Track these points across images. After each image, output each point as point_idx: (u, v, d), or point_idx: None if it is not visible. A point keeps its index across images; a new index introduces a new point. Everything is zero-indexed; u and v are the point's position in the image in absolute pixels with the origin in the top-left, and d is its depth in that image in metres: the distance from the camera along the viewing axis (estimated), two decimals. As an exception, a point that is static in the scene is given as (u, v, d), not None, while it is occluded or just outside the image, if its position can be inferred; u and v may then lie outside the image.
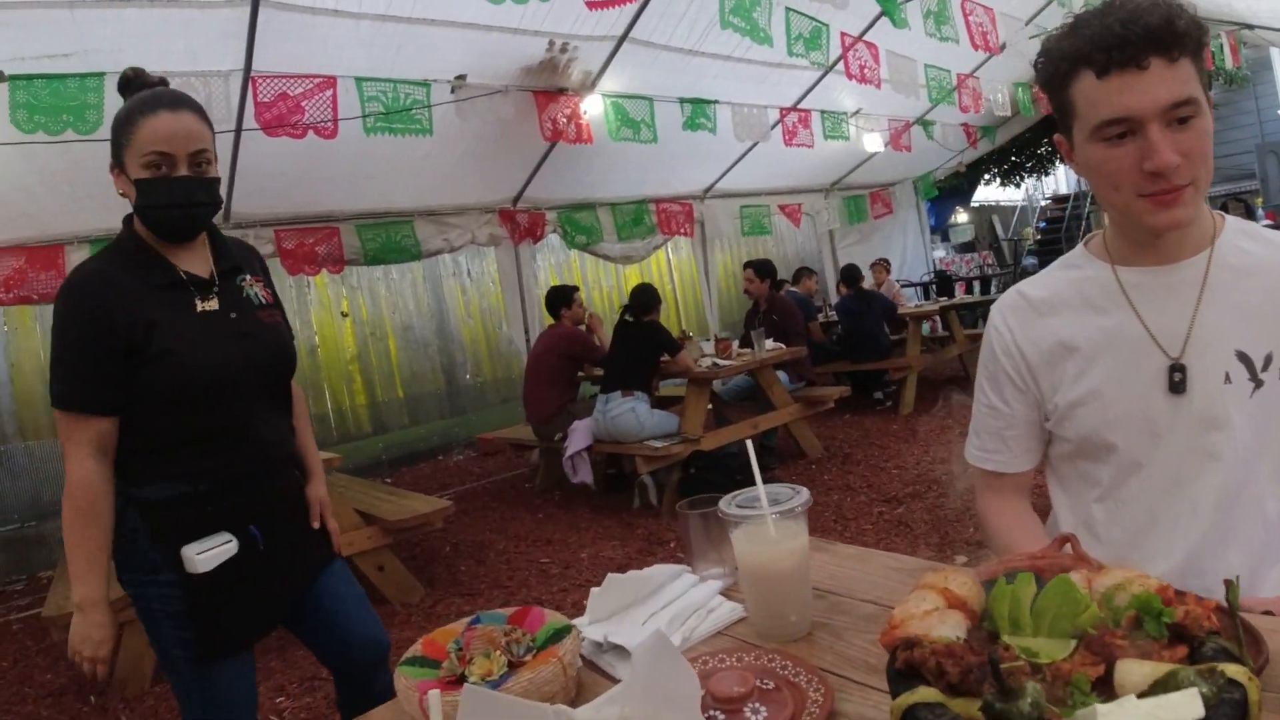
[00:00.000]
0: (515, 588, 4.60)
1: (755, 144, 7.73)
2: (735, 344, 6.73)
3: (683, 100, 6.63)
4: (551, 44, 5.63)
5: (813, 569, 1.25)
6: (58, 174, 4.88)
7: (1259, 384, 1.28)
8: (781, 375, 6.72)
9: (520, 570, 4.88)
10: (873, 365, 8.14)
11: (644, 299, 5.87)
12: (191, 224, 1.79)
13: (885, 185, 11.02)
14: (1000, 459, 1.53)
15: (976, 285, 13.67)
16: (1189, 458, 1.31)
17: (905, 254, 12.15)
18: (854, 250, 11.13)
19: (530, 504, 6.42)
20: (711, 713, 0.95)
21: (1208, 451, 1.30)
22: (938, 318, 9.41)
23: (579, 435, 5.75)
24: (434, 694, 0.78)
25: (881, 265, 9.98)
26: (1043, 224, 19.42)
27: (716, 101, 6.83)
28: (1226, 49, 8.96)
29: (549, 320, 6.60)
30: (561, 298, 6.42)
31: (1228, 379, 1.28)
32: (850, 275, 8.33)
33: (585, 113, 6.16)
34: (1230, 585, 0.80)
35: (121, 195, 1.77)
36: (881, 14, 5.52)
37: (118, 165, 1.75)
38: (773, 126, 7.44)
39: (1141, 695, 0.62)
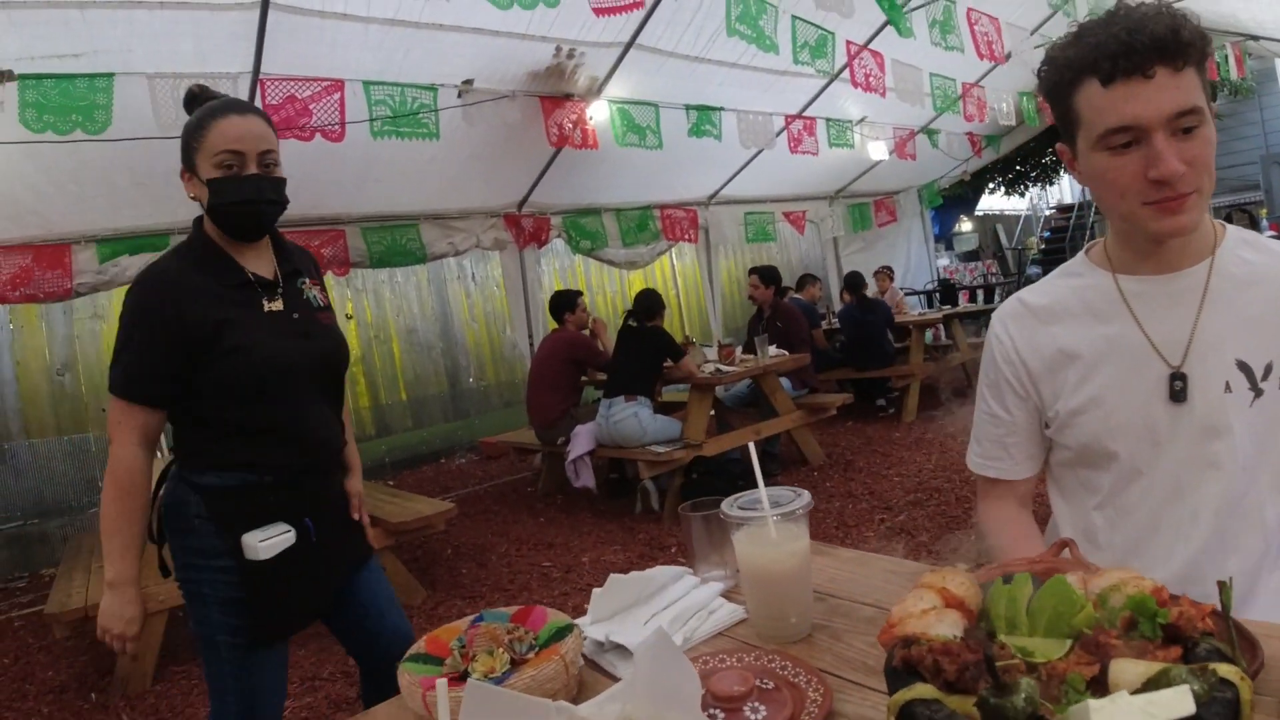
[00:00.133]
0: (516, 591, 4.61)
1: (760, 151, 7.76)
2: (738, 350, 6.74)
3: (688, 107, 6.66)
4: (558, 49, 5.65)
5: (813, 572, 1.26)
6: (65, 173, 4.90)
7: (1259, 393, 1.28)
8: (785, 382, 6.73)
9: (522, 573, 4.89)
10: (876, 373, 8.14)
11: (648, 304, 5.87)
12: (260, 220, 1.88)
13: (890, 193, 11.03)
14: (1001, 466, 1.54)
15: (980, 294, 13.66)
16: (1189, 466, 1.32)
17: (909, 262, 12.15)
18: (858, 258, 11.14)
19: (532, 508, 6.43)
20: (711, 711, 0.96)
21: (1208, 460, 1.30)
22: (941, 326, 9.42)
23: (581, 440, 5.75)
24: (441, 683, 0.79)
25: (885, 273, 9.98)
26: (1047, 233, 19.44)
27: (722, 108, 6.85)
28: (1232, 60, 8.96)
29: (553, 325, 6.61)
30: (565, 302, 6.42)
31: (1228, 388, 1.29)
32: (854, 283, 8.34)
33: (591, 118, 6.18)
34: (1224, 587, 0.81)
35: (193, 199, 1.87)
36: (887, 23, 5.54)
37: (189, 169, 1.85)
38: (778, 134, 7.46)
39: (1134, 693, 0.63)
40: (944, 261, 15.47)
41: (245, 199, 1.81)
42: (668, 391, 6.97)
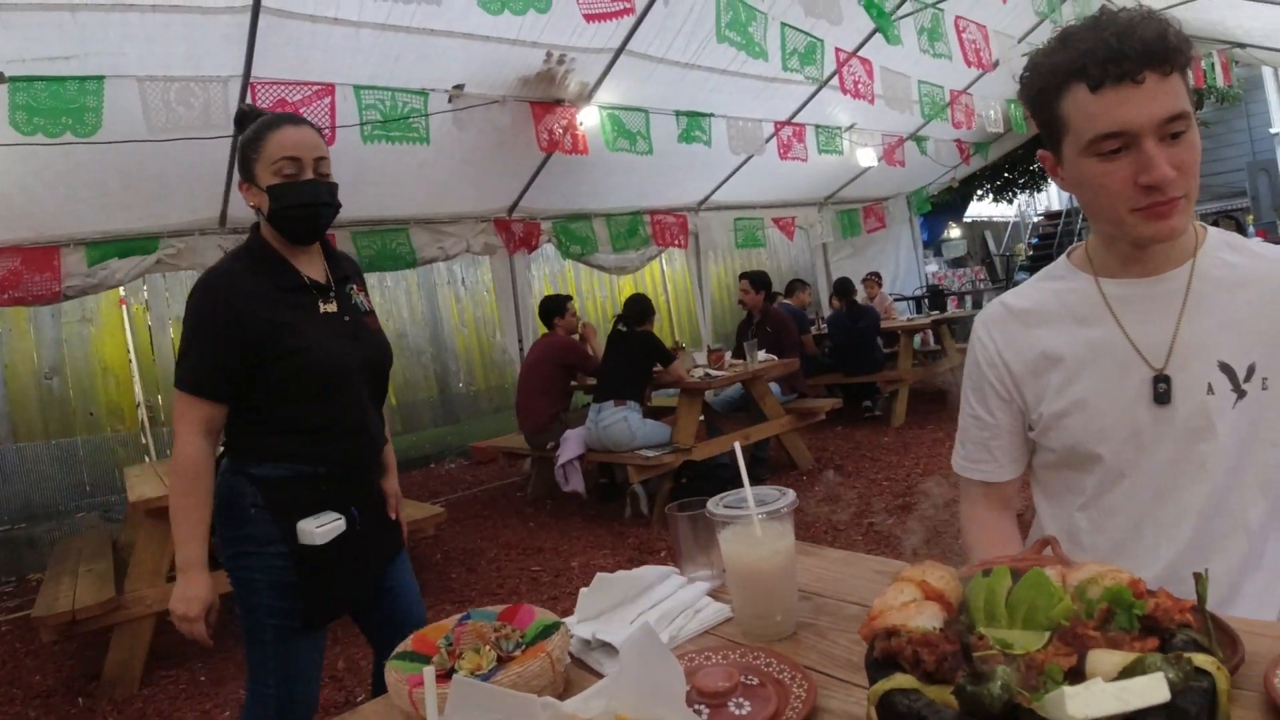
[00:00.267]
0: (506, 595, 4.60)
1: (750, 157, 7.79)
2: (728, 355, 6.75)
3: (678, 113, 6.67)
4: (549, 55, 5.67)
5: (799, 572, 1.27)
6: (56, 175, 4.89)
7: (1242, 394, 1.29)
8: (774, 387, 6.75)
9: (511, 578, 4.88)
10: (865, 378, 8.17)
11: (638, 309, 5.88)
12: (317, 223, 2.00)
13: (879, 200, 11.08)
14: (986, 469, 1.54)
15: (969, 300, 13.72)
16: (1174, 468, 1.32)
17: (898, 268, 12.19)
18: (847, 264, 11.18)
19: (522, 512, 6.42)
20: (696, 707, 0.96)
21: (1192, 461, 1.31)
22: (930, 331, 9.46)
23: (571, 444, 5.75)
24: (429, 670, 0.79)
25: (873, 280, 10.02)
26: (1035, 240, 19.57)
27: (712, 114, 6.87)
28: (1218, 68, 9.02)
29: (543, 330, 6.61)
30: (555, 307, 6.43)
31: (1210, 390, 1.29)
32: (843, 288, 8.36)
33: (581, 124, 6.20)
34: (1199, 578, 0.82)
35: (252, 207, 1.99)
36: (875, 30, 5.57)
37: (247, 179, 1.97)
38: (767, 140, 7.49)
39: (1111, 681, 0.64)
40: (932, 267, 15.54)
41: (304, 202, 1.94)
42: (657, 396, 6.98)
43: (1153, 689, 0.61)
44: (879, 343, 8.30)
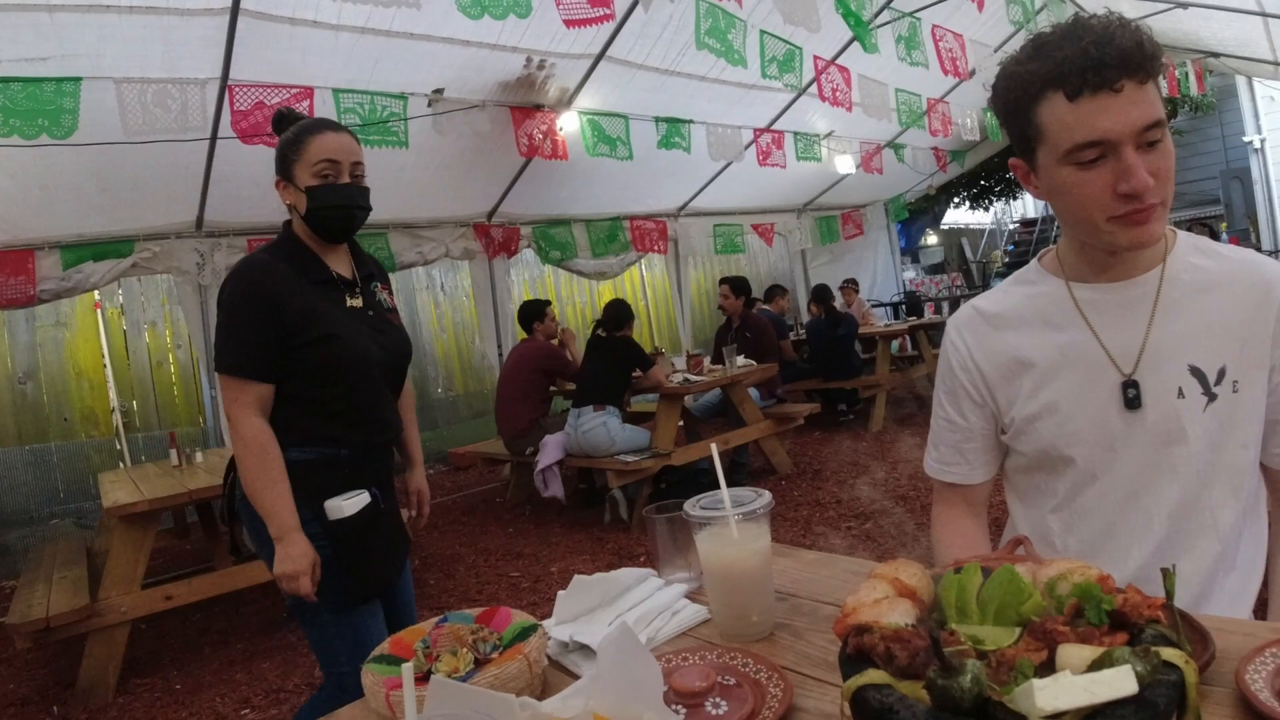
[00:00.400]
0: (484, 601, 4.59)
1: (729, 163, 7.82)
2: (707, 360, 6.77)
3: (658, 119, 6.70)
4: (529, 60, 5.67)
5: (776, 573, 1.27)
6: (31, 177, 4.85)
7: (1212, 397, 1.30)
8: (753, 392, 6.77)
9: (489, 584, 4.87)
10: (843, 383, 8.21)
11: (617, 314, 5.89)
12: (351, 224, 2.10)
13: (857, 206, 11.16)
14: (959, 471, 1.55)
15: (945, 306, 13.81)
16: (1145, 471, 1.34)
17: (876, 274, 12.28)
18: (825, 270, 11.24)
19: (501, 518, 6.40)
20: (673, 707, 0.97)
21: (1163, 465, 1.32)
22: (907, 337, 9.52)
23: (550, 449, 5.74)
24: (407, 667, 0.79)
25: (850, 287, 10.08)
26: (1011, 247, 19.74)
27: (691, 121, 6.91)
28: (1192, 77, 9.14)
29: (522, 335, 6.61)
30: (534, 312, 6.43)
31: (1181, 394, 1.30)
32: (821, 295, 8.40)
33: (561, 129, 6.20)
34: (1166, 574, 0.84)
35: (288, 205, 2.08)
36: (853, 39, 5.61)
37: (285, 178, 2.06)
38: (746, 147, 7.53)
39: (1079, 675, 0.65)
40: (910, 274, 15.62)
41: (340, 204, 2.04)
42: (637, 401, 6.98)
43: (1121, 681, 0.62)
44: (857, 349, 8.34)
